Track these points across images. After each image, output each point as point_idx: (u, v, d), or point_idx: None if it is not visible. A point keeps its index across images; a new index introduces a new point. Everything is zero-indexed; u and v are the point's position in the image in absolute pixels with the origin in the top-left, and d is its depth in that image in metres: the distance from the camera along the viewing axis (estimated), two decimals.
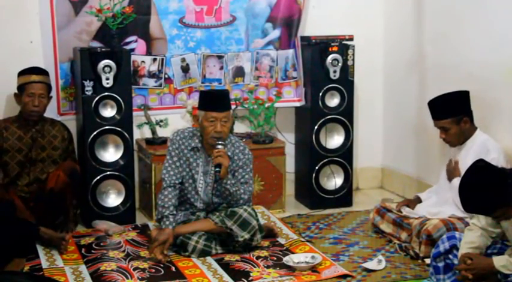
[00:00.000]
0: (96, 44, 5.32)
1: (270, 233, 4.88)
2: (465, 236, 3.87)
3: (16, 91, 4.98)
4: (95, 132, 5.13)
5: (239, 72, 5.72)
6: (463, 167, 4.33)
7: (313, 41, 5.57)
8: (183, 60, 5.59)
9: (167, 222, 4.54)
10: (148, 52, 5.50)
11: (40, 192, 4.86)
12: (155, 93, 5.57)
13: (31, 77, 4.91)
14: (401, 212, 4.83)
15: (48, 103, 5.00)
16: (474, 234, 3.84)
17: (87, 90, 5.10)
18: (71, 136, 5.13)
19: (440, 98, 4.63)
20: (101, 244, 4.79)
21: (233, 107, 5.28)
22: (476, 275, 3.70)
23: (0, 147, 4.89)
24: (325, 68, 5.53)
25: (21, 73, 4.95)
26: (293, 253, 4.58)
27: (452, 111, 4.54)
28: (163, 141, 5.38)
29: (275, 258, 4.53)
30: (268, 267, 4.40)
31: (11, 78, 5.00)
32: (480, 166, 3.63)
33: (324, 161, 5.63)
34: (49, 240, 4.63)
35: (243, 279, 4.23)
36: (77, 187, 4.94)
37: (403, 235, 4.71)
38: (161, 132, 5.51)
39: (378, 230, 4.98)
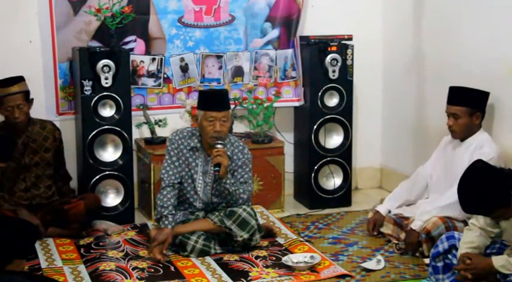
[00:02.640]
0: (95, 44, 5.32)
1: (269, 233, 4.88)
2: (464, 235, 3.87)
3: None
4: (93, 132, 5.12)
5: (238, 72, 5.72)
6: (461, 164, 4.33)
7: (312, 40, 5.56)
8: (182, 60, 5.58)
9: (166, 222, 4.53)
10: (147, 52, 5.50)
11: (58, 212, 4.88)
12: (154, 93, 5.57)
13: (6, 90, 4.78)
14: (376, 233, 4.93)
15: (30, 107, 4.89)
16: (473, 234, 3.84)
17: (86, 90, 5.09)
18: (61, 136, 5.09)
19: (463, 88, 4.65)
20: (100, 244, 4.79)
21: (232, 106, 5.27)
22: (476, 275, 3.70)
23: None
24: (324, 68, 5.52)
25: None
26: (292, 253, 4.58)
27: (470, 102, 4.58)
28: (162, 141, 5.38)
29: (274, 258, 4.52)
30: (267, 267, 4.40)
31: None
32: (479, 167, 3.63)
33: (323, 160, 5.62)
34: (61, 236, 4.83)
35: (242, 279, 4.23)
36: (92, 218, 5.05)
37: (403, 235, 4.70)
38: (160, 132, 5.50)
39: None
